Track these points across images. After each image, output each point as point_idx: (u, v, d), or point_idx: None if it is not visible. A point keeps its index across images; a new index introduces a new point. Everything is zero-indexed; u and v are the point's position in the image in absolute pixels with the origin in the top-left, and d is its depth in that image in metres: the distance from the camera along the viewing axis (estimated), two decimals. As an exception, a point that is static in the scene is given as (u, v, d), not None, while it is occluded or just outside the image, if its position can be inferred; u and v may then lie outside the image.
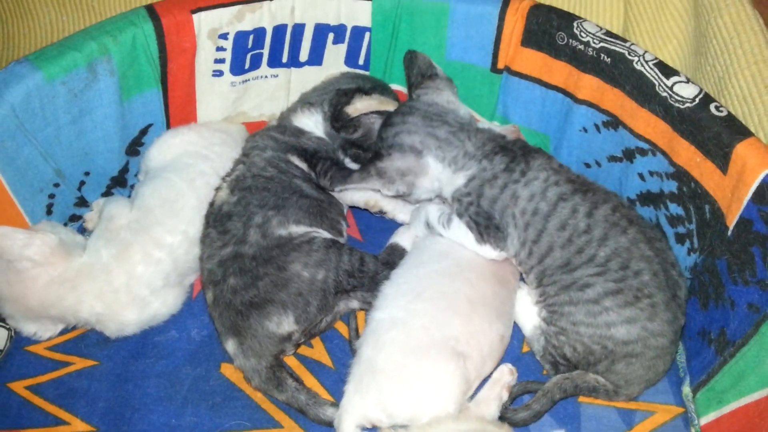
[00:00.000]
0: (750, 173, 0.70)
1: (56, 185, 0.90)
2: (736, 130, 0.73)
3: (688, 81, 0.79)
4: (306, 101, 0.99)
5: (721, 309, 0.78)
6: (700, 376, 0.81)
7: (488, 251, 0.85)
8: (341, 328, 0.88)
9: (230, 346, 0.81)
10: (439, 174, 0.86)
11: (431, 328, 0.77)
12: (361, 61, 1.04)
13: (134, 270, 0.83)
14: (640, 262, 0.76)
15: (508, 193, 0.82)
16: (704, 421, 0.78)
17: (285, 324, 0.80)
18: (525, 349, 0.87)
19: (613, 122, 0.87)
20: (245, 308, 0.80)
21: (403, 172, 0.86)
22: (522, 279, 0.88)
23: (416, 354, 0.76)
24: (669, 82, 0.79)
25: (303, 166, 0.93)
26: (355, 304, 0.87)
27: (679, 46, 1.00)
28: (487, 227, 0.84)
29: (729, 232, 0.74)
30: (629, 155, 0.87)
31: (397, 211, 0.99)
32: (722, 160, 0.74)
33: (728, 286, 0.76)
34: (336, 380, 0.82)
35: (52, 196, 0.90)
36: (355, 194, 0.96)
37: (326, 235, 0.87)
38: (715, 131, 0.74)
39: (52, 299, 0.81)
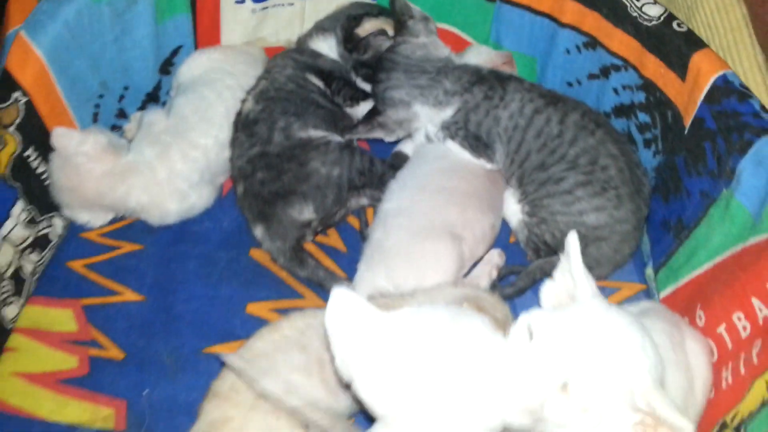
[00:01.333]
0: (703, 78, 0.83)
1: (101, 96, 1.02)
2: (693, 42, 0.86)
3: (654, 2, 0.91)
4: (321, 27, 1.11)
5: (679, 200, 0.91)
6: (660, 259, 0.94)
7: (484, 163, 0.98)
8: (353, 221, 1.01)
9: (258, 231, 0.94)
10: (428, 114, 0.99)
11: (432, 214, 0.90)
12: (368, -8, 1.16)
13: (174, 166, 0.95)
14: (606, 159, 0.89)
15: (490, 117, 0.95)
16: (663, 294, 0.92)
17: (305, 212, 0.93)
18: (512, 239, 1.00)
19: (592, 43, 0.99)
20: (271, 198, 0.93)
21: (399, 122, 1.00)
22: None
23: (419, 235, 0.89)
24: (639, 3, 0.91)
25: (319, 83, 1.05)
26: (364, 200, 1.00)
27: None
28: (476, 147, 0.97)
29: (685, 131, 0.87)
30: (605, 72, 0.99)
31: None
32: (681, 69, 0.86)
33: (684, 178, 0.89)
34: (349, 261, 0.95)
35: (97, 106, 1.02)
36: (367, 110, 1.09)
37: (340, 139, 0.99)
38: (676, 44, 0.87)
39: (104, 190, 0.94)
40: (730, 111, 0.80)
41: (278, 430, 0.73)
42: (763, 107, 0.79)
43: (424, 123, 0.99)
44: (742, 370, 0.74)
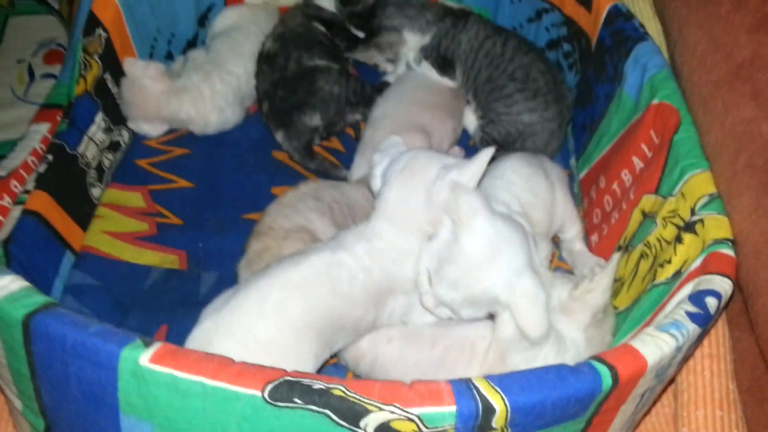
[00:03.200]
0: (602, 8, 1.15)
1: (155, 39, 1.33)
2: (595, -17, 1.19)
3: (568, -41, 1.24)
4: (322, -13, 1.43)
5: (591, 105, 1.22)
6: (580, 150, 1.25)
7: (447, 81, 1.29)
8: (349, 132, 1.33)
9: (279, 135, 1.25)
10: (413, 39, 1.30)
11: (408, 117, 1.21)
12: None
13: (215, 87, 1.26)
14: (536, 73, 1.20)
15: (455, 41, 1.26)
16: (581, 176, 1.22)
17: (315, 119, 1.24)
18: (471, 142, 1.31)
19: (528, -7, 1.32)
20: (289, 109, 1.24)
21: (390, 44, 1.31)
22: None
23: (399, 131, 1.19)
24: (558, -40, 1.24)
25: (322, 29, 1.36)
26: (358, 116, 1.31)
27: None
28: (442, 66, 1.28)
29: (593, 51, 1.19)
30: (539, 14, 1.31)
31: (387, 65, 1.43)
32: (588, 4, 1.18)
33: (594, 87, 1.20)
34: (347, 158, 1.24)
35: (152, 47, 1.33)
36: (360, 51, 1.40)
37: (339, 68, 1.30)
38: (583, -14, 1.20)
39: (162, 105, 1.24)
40: (619, 29, 1.12)
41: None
42: (641, 24, 1.10)
43: (408, 48, 1.29)
44: (624, 206, 1.05)
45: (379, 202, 0.87)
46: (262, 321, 0.78)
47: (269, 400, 0.62)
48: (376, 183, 0.89)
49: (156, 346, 0.65)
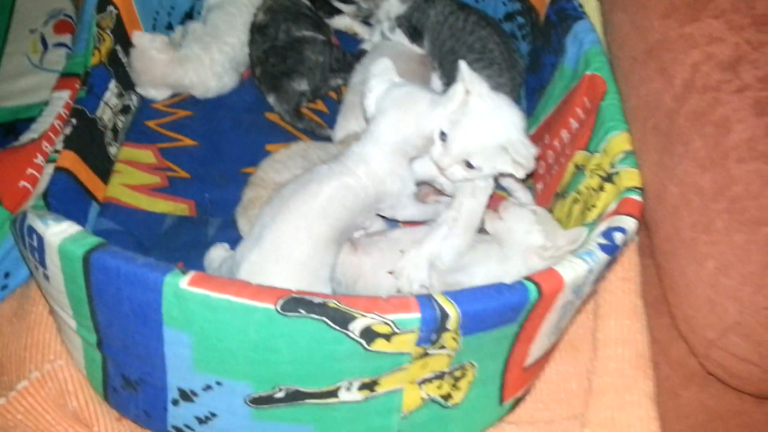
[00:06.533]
0: (549, -11, 1.34)
1: (157, 12, 1.49)
2: (543, -34, 1.37)
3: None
4: (305, -35, 1.59)
5: (540, 72, 1.41)
6: (531, 112, 1.45)
7: (416, 48, 1.48)
8: (332, 95, 1.51)
9: (271, 98, 1.43)
10: (393, 4, 1.48)
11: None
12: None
13: (213, 56, 1.43)
14: (492, 44, 1.39)
15: (425, 14, 1.44)
16: (531, 133, 1.41)
17: (302, 84, 1.42)
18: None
19: (487, -29, 1.50)
20: (279, 74, 1.42)
21: (377, 3, 1.48)
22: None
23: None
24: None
25: (307, 2, 1.53)
26: (339, 81, 1.49)
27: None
28: (413, 35, 1.46)
29: (541, 26, 1.38)
30: (497, -10, 1.50)
31: (364, 33, 1.61)
32: (537, -15, 1.37)
33: (542, 57, 1.40)
34: (331, 119, 1.43)
35: (155, 19, 1.49)
36: (340, 20, 1.57)
37: (324, 38, 1.48)
38: (533, -32, 1.38)
39: (167, 72, 1.41)
40: (562, 8, 1.31)
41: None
42: (579, 5, 1.30)
43: (387, 8, 1.47)
44: (562, 160, 1.26)
45: (373, 126, 1.06)
46: (298, 245, 0.98)
47: (280, 311, 0.82)
48: (370, 107, 1.08)
49: (191, 273, 0.85)
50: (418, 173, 1.15)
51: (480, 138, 1.03)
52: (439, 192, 1.22)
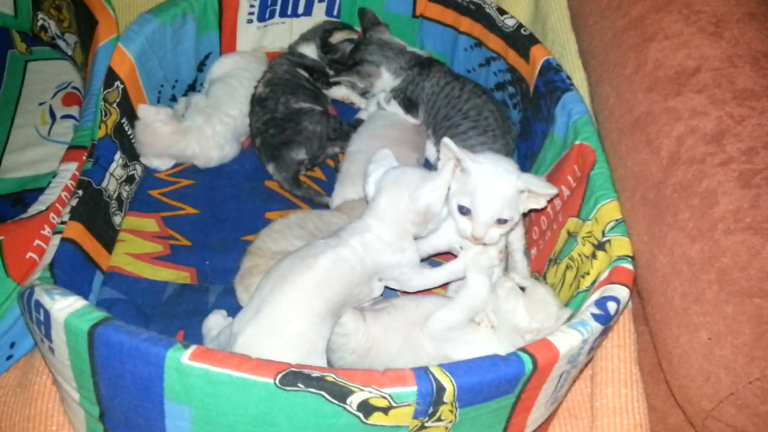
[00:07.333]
0: (537, 61, 1.37)
1: (162, 86, 1.54)
2: (532, 40, 1.42)
3: (511, 17, 1.47)
4: (305, 37, 1.65)
5: (531, 139, 1.45)
6: (524, 177, 1.49)
7: (411, 119, 1.53)
8: (330, 163, 1.55)
9: (270, 167, 1.47)
10: (387, 78, 1.53)
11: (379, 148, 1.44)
12: (335, 13, 1.71)
13: (215, 128, 1.48)
14: (487, 112, 1.43)
15: (420, 87, 1.50)
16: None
17: (300, 154, 1.46)
18: (433, 170, 1.54)
19: (479, 43, 1.55)
20: (279, 144, 1.46)
21: (369, 74, 1.53)
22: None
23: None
24: (503, 18, 1.48)
25: (306, 74, 1.59)
26: (336, 149, 1.53)
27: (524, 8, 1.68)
28: (408, 106, 1.51)
29: (531, 96, 1.43)
30: (488, 62, 1.55)
31: (360, 102, 1.66)
32: (526, 57, 1.42)
33: (532, 125, 1.44)
34: (328, 186, 1.47)
35: (159, 92, 1.54)
36: (337, 91, 1.63)
37: (321, 109, 1.53)
38: (523, 42, 1.42)
39: (171, 143, 1.45)
40: (550, 80, 1.36)
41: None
42: (568, 76, 1.35)
43: (383, 83, 1.52)
44: (554, 227, 1.29)
45: (373, 204, 1.13)
46: (296, 318, 1.00)
47: (279, 385, 0.84)
48: (370, 189, 1.15)
49: (192, 348, 0.87)
50: (434, 245, 1.21)
51: (499, 194, 1.09)
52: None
